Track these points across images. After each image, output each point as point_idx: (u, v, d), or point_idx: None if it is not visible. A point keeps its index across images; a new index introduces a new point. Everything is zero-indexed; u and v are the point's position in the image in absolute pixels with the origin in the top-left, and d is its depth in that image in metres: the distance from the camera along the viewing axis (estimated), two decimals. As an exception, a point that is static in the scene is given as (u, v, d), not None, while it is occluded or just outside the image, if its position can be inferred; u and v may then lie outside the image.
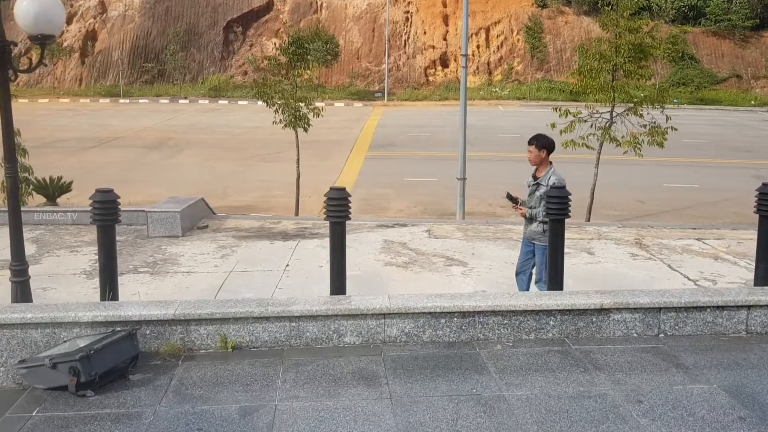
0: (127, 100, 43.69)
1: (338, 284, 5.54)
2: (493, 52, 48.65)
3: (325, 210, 5.52)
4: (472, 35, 46.88)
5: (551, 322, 5.12)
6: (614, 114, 13.35)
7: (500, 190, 19.46)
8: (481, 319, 5.08)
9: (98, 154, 24.53)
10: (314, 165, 22.33)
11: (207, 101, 43.51)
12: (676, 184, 20.08)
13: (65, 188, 13.74)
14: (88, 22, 48.52)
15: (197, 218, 10.42)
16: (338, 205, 5.51)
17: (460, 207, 14.09)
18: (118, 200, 5.88)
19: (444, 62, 48.72)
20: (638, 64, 12.55)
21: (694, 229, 10.36)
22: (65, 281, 7.81)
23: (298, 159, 14.80)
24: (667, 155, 13.37)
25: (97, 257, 6.07)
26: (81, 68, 47.44)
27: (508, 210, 17.99)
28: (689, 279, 7.72)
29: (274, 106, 14.14)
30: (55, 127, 31.22)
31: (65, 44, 46.44)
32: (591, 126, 13.13)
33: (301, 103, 14.12)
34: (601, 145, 13.49)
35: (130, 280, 7.80)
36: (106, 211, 5.76)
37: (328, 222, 5.72)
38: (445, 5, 49.43)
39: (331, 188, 5.47)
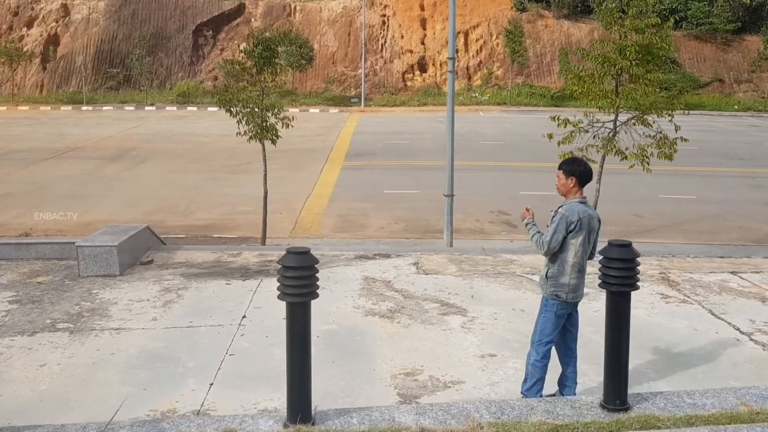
0: (90, 108, 41.63)
1: (299, 397, 3.92)
2: (472, 56, 47.44)
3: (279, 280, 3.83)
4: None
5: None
6: (618, 123, 11.96)
7: (486, 202, 18.34)
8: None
9: (53, 167, 22.68)
10: (286, 177, 20.76)
11: (175, 108, 41.63)
12: (672, 195, 18.90)
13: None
14: (49, 26, 46.32)
15: (141, 251, 8.77)
16: (300, 278, 3.76)
17: (448, 226, 12.60)
18: None
19: (422, 67, 47.38)
20: (646, 68, 11.16)
21: (723, 257, 8.99)
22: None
23: (265, 175, 13.19)
24: (660, 163, 12.02)
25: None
26: (42, 74, 45.21)
27: (498, 226, 16.69)
28: (741, 332, 6.28)
29: (237, 115, 12.50)
30: (10, 136, 29.22)
31: (25, 49, 44.21)
32: (593, 137, 11.72)
33: (268, 113, 12.50)
34: (603, 158, 12.10)
35: (42, 342, 6.15)
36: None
37: None
38: (422, 9, 48.11)
39: (289, 251, 3.84)
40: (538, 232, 4.93)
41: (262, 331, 6.19)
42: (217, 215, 16.67)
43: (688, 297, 7.27)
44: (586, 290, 5.08)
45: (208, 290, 7.52)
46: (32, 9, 46.59)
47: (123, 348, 6.00)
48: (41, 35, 45.94)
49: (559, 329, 4.95)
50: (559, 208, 4.95)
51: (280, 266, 3.74)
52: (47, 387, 5.33)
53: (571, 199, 4.95)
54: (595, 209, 7.02)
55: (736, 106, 43.30)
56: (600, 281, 4.21)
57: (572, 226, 4.82)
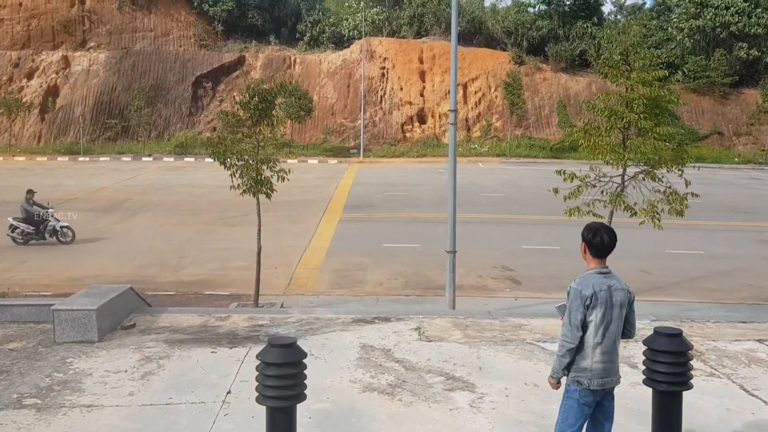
0: (87, 158, 41.45)
1: None
2: (471, 108, 47.63)
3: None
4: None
5: None
6: (626, 177, 11.54)
7: (489, 257, 17.78)
8: None
9: (44, 219, 22.16)
10: (283, 229, 20.29)
11: (172, 159, 41.46)
12: (680, 250, 18.41)
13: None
14: (50, 77, 46.56)
15: (123, 314, 8.17)
16: (284, 377, 3.14)
17: (450, 284, 12.02)
18: None
19: (421, 118, 47.51)
20: (654, 121, 10.80)
21: (745, 323, 8.41)
22: None
23: (259, 230, 12.67)
24: (665, 217, 11.53)
25: None
26: (40, 125, 45.20)
27: (502, 282, 16.10)
28: (779, 410, 5.67)
29: (231, 168, 12.07)
30: (3, 188, 28.76)
31: (25, 99, 44.28)
32: (602, 192, 11.28)
33: (263, 165, 12.07)
34: (611, 214, 11.62)
35: (4, 422, 5.52)
36: None
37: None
38: (421, 62, 48.54)
39: (271, 342, 3.25)
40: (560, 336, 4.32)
41: (247, 411, 5.56)
42: (210, 270, 16.10)
43: (716, 370, 6.67)
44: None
45: (191, 360, 6.91)
46: (33, 61, 46.91)
47: (93, 430, 5.36)
48: (41, 86, 46.11)
49: (586, 419, 4.30)
50: (573, 282, 4.39)
51: (259, 362, 3.15)
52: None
53: (588, 270, 4.38)
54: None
55: (736, 159, 43.24)
56: (644, 377, 3.58)
57: (588, 301, 4.20)
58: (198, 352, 7.13)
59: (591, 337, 4.23)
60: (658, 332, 3.52)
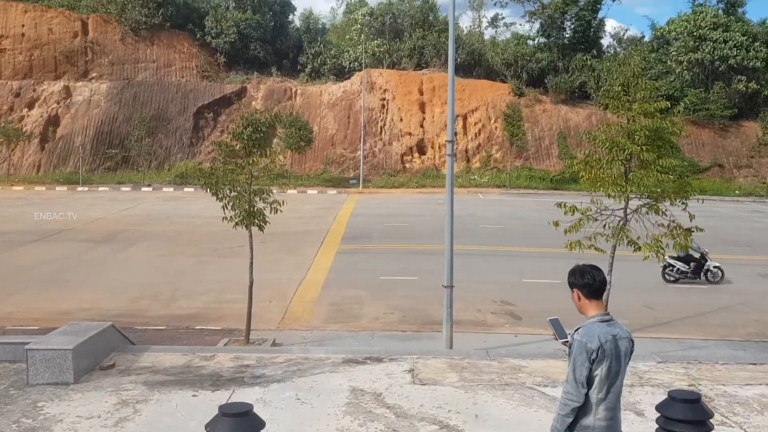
0: (86, 188, 41.29)
1: None
2: (471, 139, 47.62)
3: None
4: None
5: None
6: (628, 211, 11.23)
7: (488, 290, 17.38)
8: None
9: (37, 249, 21.88)
10: (280, 260, 19.96)
11: (172, 189, 41.31)
12: (683, 285, 18.04)
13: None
14: (50, 107, 46.67)
15: (103, 352, 7.79)
16: None
17: (448, 321, 11.63)
18: None
19: (421, 149, 47.46)
20: (657, 153, 10.53)
21: (755, 365, 8.00)
22: None
23: (251, 263, 12.33)
24: (668, 251, 11.20)
25: None
26: (40, 154, 45.15)
27: (501, 317, 15.69)
28: (799, 466, 5.27)
29: (224, 199, 11.79)
30: (0, 217, 28.55)
31: (25, 129, 44.30)
32: (604, 226, 10.96)
33: (256, 197, 11.79)
34: (614, 248, 11.28)
35: (-38, 473, 5.14)
36: None
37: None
38: (421, 93, 48.68)
39: (223, 411, 2.89)
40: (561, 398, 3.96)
41: (225, 463, 5.15)
42: (202, 303, 15.73)
43: (727, 418, 6.26)
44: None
45: (170, 404, 6.51)
46: (34, 90, 47.07)
47: (55, 485, 4.97)
48: (41, 116, 46.18)
49: None
50: (575, 332, 4.01)
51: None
52: None
53: (589, 319, 4.02)
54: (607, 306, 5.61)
55: (737, 192, 43.01)
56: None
57: (594, 355, 3.84)
58: (178, 395, 6.73)
59: (595, 393, 3.86)
60: (673, 398, 3.13)
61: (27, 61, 47.66)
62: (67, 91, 47.28)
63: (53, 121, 46.33)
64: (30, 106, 46.49)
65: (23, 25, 47.83)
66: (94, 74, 48.45)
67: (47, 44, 47.87)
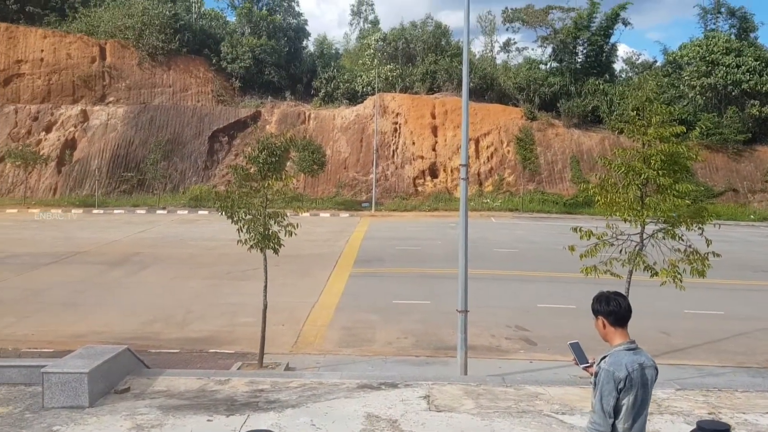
0: (101, 211, 41.65)
1: None
2: (483, 162, 47.70)
3: None
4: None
5: None
6: (645, 236, 11.16)
7: (502, 315, 17.23)
8: None
9: (52, 272, 22.00)
10: (292, 284, 19.94)
11: (186, 212, 41.61)
12: (699, 310, 17.81)
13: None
14: (68, 130, 47.33)
15: (118, 376, 7.81)
16: None
17: (462, 346, 11.54)
18: None
19: (433, 172, 47.58)
20: (673, 178, 10.50)
21: (777, 392, 7.89)
22: None
23: (265, 286, 12.34)
24: (684, 276, 11.05)
25: None
26: (56, 177, 45.70)
27: (516, 343, 15.55)
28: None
29: (239, 222, 11.84)
30: (15, 240, 28.84)
31: (42, 152, 44.92)
32: (620, 251, 10.89)
33: (271, 220, 11.83)
34: (630, 274, 11.20)
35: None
36: None
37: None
38: (434, 117, 48.95)
39: None
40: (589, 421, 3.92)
41: (240, 490, 5.13)
42: (216, 326, 15.71)
43: (750, 448, 6.16)
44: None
45: (185, 429, 6.49)
46: (52, 114, 47.78)
47: None
48: (59, 140, 46.83)
49: None
50: (601, 360, 3.97)
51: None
52: None
53: (615, 347, 3.98)
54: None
55: (752, 216, 42.67)
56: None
57: (621, 384, 3.81)
58: (193, 420, 6.71)
59: (621, 423, 3.83)
60: (702, 428, 3.10)
61: (45, 86, 48.48)
62: (85, 115, 47.97)
63: (70, 145, 46.96)
64: (48, 129, 47.18)
65: (42, 50, 48.74)
66: (111, 98, 49.18)
67: (65, 69, 48.71)
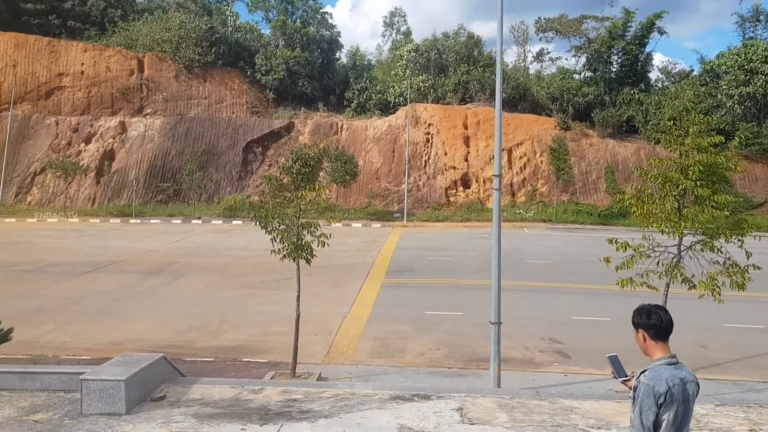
0: (138, 221, 42.45)
1: None
2: (516, 173, 47.37)
3: None
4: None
5: None
6: (682, 248, 10.95)
7: (536, 327, 17.04)
8: None
9: (91, 280, 22.47)
10: (324, 294, 20.02)
11: (221, 221, 42.15)
12: (738, 324, 17.36)
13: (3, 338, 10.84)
14: (107, 141, 48.44)
15: (154, 384, 7.93)
16: None
17: (495, 359, 11.44)
18: None
19: (465, 183, 47.41)
20: (712, 189, 10.29)
21: (822, 409, 7.63)
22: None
23: (298, 296, 12.42)
24: (723, 290, 10.78)
25: None
26: (95, 187, 46.77)
27: (550, 356, 15.37)
28: None
29: (273, 232, 11.95)
30: (55, 249, 29.55)
31: (82, 163, 46.06)
32: (657, 263, 10.70)
33: (304, 230, 11.92)
34: (667, 286, 11.00)
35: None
36: None
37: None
38: (466, 127, 48.84)
39: None
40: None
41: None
42: (249, 336, 15.85)
43: (794, 467, 5.98)
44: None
45: (220, 437, 6.56)
46: (91, 126, 48.95)
47: None
48: (98, 150, 47.94)
49: None
50: (641, 374, 3.91)
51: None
52: None
53: (655, 361, 3.91)
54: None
55: (794, 227, 41.50)
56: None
57: (661, 399, 3.75)
58: (227, 428, 6.78)
59: None
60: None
61: (85, 98, 49.73)
62: (123, 127, 49.05)
63: (109, 156, 48.03)
64: (87, 141, 48.34)
65: (83, 64, 50.04)
66: (148, 110, 50.22)
67: (105, 81, 49.93)
